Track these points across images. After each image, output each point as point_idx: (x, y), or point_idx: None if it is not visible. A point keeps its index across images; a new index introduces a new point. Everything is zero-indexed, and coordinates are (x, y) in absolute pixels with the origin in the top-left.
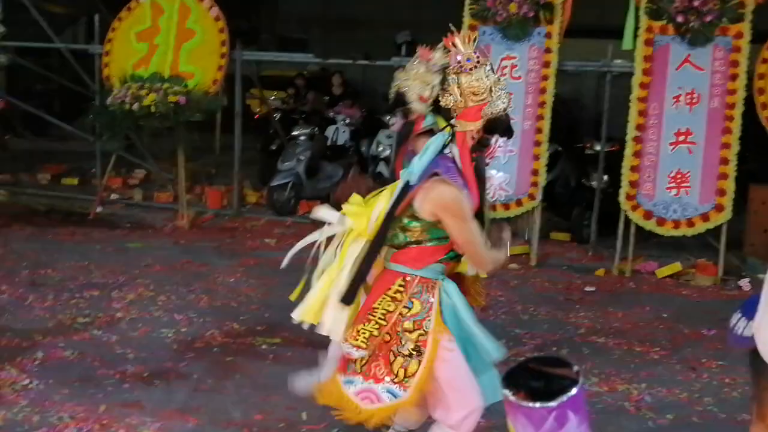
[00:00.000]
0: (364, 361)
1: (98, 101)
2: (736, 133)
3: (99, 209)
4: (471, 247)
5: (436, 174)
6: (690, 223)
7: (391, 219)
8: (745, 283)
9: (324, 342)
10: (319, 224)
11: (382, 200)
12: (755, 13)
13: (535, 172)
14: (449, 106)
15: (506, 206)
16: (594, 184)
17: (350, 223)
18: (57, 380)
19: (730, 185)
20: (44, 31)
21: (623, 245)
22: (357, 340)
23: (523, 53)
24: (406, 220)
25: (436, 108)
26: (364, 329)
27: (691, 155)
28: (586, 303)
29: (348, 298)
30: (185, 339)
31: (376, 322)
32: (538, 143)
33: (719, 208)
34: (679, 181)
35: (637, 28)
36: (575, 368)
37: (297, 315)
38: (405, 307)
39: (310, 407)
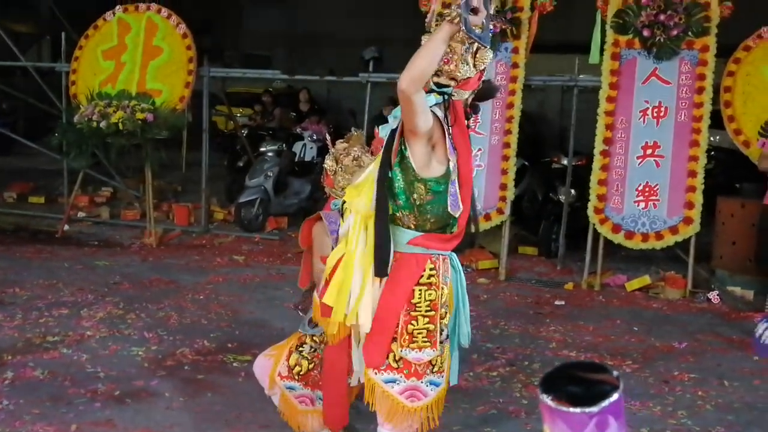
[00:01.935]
0: (399, 357)
1: (65, 119)
2: (704, 146)
3: (66, 227)
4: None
5: None
6: (659, 236)
7: (384, 178)
8: (714, 296)
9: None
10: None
11: (372, 171)
12: (720, 27)
13: (503, 187)
14: (465, 77)
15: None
16: (562, 198)
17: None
18: (27, 400)
19: (698, 198)
20: (8, 49)
21: (592, 259)
22: (416, 342)
23: (489, 68)
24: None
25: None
26: (418, 329)
27: (658, 168)
28: (557, 317)
29: (381, 270)
30: (156, 357)
31: (424, 316)
32: (505, 158)
33: (687, 220)
34: (647, 194)
35: (603, 42)
36: (615, 373)
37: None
38: (440, 292)
39: (282, 424)
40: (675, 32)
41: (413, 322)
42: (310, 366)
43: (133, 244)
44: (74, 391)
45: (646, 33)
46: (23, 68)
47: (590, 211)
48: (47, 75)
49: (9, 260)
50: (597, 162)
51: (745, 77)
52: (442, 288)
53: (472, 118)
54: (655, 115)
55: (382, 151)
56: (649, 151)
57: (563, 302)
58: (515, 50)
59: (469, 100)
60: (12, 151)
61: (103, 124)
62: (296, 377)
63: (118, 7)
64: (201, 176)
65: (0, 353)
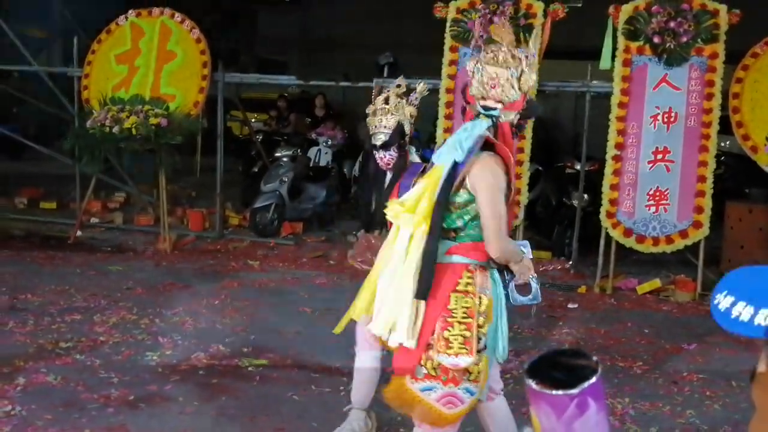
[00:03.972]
0: (437, 364)
1: (77, 124)
2: (713, 152)
3: (78, 233)
4: (492, 221)
5: (484, 149)
6: (669, 240)
7: (443, 203)
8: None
9: (310, 362)
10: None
11: (426, 190)
12: (729, 34)
13: (517, 191)
14: (511, 100)
15: None
16: (575, 202)
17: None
18: (40, 406)
19: (707, 202)
20: (20, 54)
21: (604, 263)
22: (452, 348)
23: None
24: (460, 200)
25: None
26: (453, 335)
27: (669, 173)
28: (569, 320)
29: (424, 293)
30: (170, 362)
31: (461, 323)
32: (519, 163)
33: (697, 224)
34: (657, 198)
35: (614, 48)
36: (594, 359)
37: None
38: (477, 300)
39: (297, 429)
40: (685, 39)
41: (449, 328)
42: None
43: (147, 249)
44: (87, 397)
45: (656, 40)
46: (35, 72)
47: (602, 216)
48: (59, 79)
49: (21, 266)
50: (609, 167)
51: (753, 84)
52: (480, 297)
53: (517, 137)
54: (665, 120)
55: (442, 179)
56: (659, 156)
57: (576, 305)
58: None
59: (515, 120)
60: (23, 156)
61: (116, 129)
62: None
63: (131, 11)
64: (215, 181)
65: (12, 359)
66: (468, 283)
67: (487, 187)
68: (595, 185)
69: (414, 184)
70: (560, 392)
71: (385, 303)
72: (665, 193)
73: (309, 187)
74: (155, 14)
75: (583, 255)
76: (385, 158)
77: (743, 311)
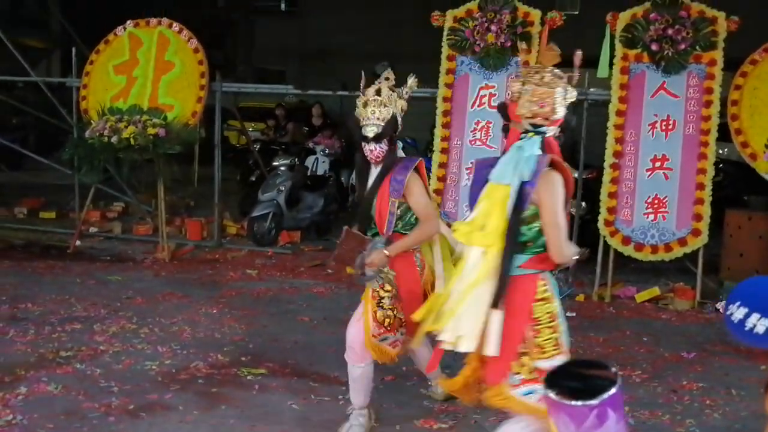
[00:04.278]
0: (533, 368)
1: (76, 134)
2: (711, 159)
3: (78, 243)
4: (557, 231)
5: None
6: (667, 248)
7: (517, 222)
8: (722, 306)
9: (309, 371)
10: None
11: (494, 209)
12: (727, 41)
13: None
14: (558, 118)
15: None
16: (573, 211)
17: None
18: (41, 415)
19: (706, 210)
20: (19, 64)
21: (602, 271)
22: (546, 352)
23: (501, 83)
24: (527, 215)
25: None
26: (545, 340)
27: (667, 181)
28: (568, 328)
29: (497, 304)
30: (169, 371)
31: (548, 327)
32: None
33: (696, 232)
34: (656, 206)
35: (612, 56)
36: (613, 369)
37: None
38: (555, 304)
39: None
40: (683, 46)
41: (539, 335)
42: (395, 313)
43: (146, 259)
44: (88, 406)
45: (654, 47)
46: (33, 83)
47: (601, 224)
48: (57, 90)
49: (21, 276)
50: (607, 175)
51: (752, 91)
52: (556, 300)
53: None
54: (663, 128)
55: (513, 199)
56: (657, 164)
57: (574, 314)
58: (526, 64)
59: (557, 133)
60: (23, 167)
61: (114, 139)
62: (388, 328)
63: (129, 21)
64: (213, 191)
65: (13, 368)
66: (544, 290)
67: (553, 202)
68: (593, 193)
69: (405, 180)
70: (580, 403)
71: (463, 317)
72: (664, 200)
73: (307, 196)
74: (153, 25)
75: (581, 263)
76: (375, 151)
77: (758, 323)
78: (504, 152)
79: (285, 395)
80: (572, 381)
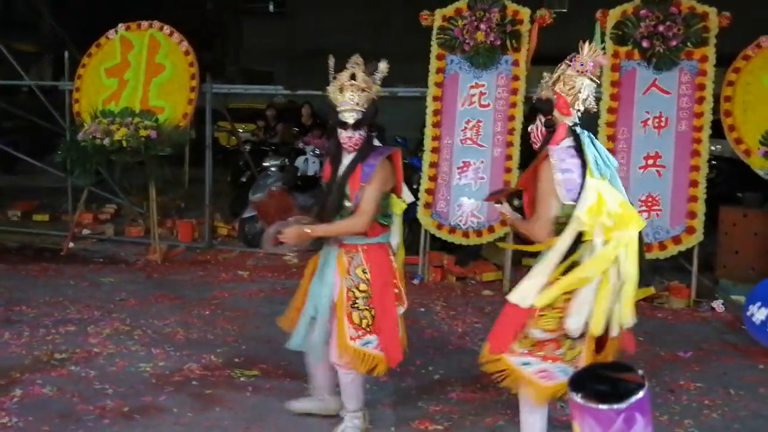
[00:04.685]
0: (534, 342)
1: (69, 137)
2: (705, 156)
3: (71, 245)
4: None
5: None
6: (662, 246)
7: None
8: (718, 305)
9: (302, 372)
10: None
11: (608, 196)
12: (719, 37)
13: None
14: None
15: (479, 233)
16: None
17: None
18: (36, 417)
19: (700, 207)
20: (11, 68)
21: None
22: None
23: (491, 81)
24: None
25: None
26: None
27: (660, 178)
28: None
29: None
30: (163, 373)
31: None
32: (508, 170)
33: (690, 230)
34: (649, 204)
35: (603, 53)
36: (640, 372)
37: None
38: None
39: None
40: (674, 43)
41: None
42: (372, 313)
43: (138, 260)
44: (83, 408)
45: (645, 44)
46: (26, 86)
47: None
48: (50, 93)
49: (15, 278)
50: None
51: (745, 86)
52: None
53: None
54: (656, 125)
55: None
56: (650, 162)
57: None
58: (515, 63)
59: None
60: (16, 170)
61: (106, 142)
62: (366, 329)
63: (120, 25)
64: (204, 192)
65: (8, 371)
66: None
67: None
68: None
69: (376, 166)
70: (607, 407)
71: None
72: (657, 198)
73: (297, 196)
74: (144, 27)
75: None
76: (353, 138)
77: None
78: (547, 145)
79: (279, 396)
80: (599, 384)
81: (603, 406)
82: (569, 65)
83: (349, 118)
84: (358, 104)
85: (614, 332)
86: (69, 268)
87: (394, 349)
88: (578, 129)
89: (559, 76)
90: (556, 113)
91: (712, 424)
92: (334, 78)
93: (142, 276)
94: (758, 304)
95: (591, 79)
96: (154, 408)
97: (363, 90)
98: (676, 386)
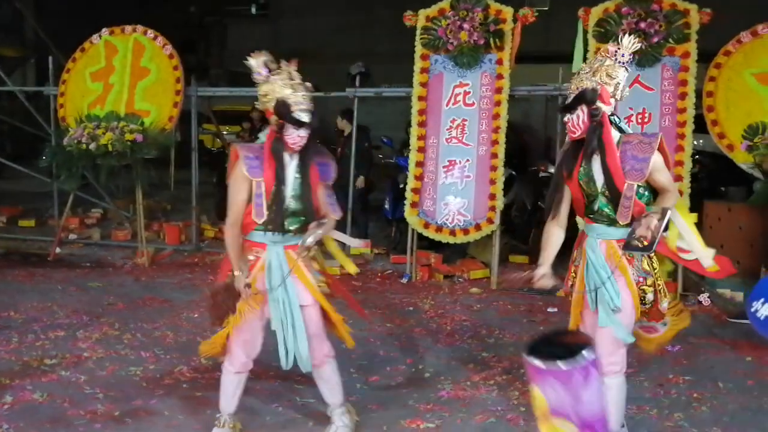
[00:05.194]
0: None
1: (54, 141)
2: (689, 151)
3: (58, 250)
4: None
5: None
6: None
7: None
8: (704, 299)
9: (292, 373)
10: None
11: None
12: (700, 33)
13: (492, 197)
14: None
15: (465, 231)
16: None
17: None
18: (27, 423)
19: (685, 202)
20: None
21: None
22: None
23: (475, 80)
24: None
25: None
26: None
27: None
28: (550, 324)
29: None
30: (153, 376)
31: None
32: (494, 168)
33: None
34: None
35: (586, 51)
36: (582, 333)
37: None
38: None
39: None
40: (656, 39)
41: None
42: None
43: (126, 264)
44: (74, 413)
45: None
46: (9, 91)
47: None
48: (34, 98)
49: (2, 284)
50: None
51: (726, 82)
52: None
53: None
54: (639, 121)
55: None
56: None
57: (556, 309)
58: (499, 61)
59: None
60: (1, 175)
61: (92, 146)
62: None
63: (104, 29)
64: (190, 194)
65: None
66: None
67: None
68: None
69: (332, 164)
70: (569, 366)
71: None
72: None
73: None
74: (128, 32)
75: (562, 258)
76: (304, 137)
77: None
78: (595, 134)
79: (269, 398)
80: (552, 348)
81: (566, 366)
82: (608, 57)
83: (306, 117)
84: (310, 103)
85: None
86: (56, 273)
87: None
88: (615, 118)
89: (599, 67)
90: (598, 103)
91: (701, 418)
92: (290, 78)
93: (130, 280)
94: (762, 299)
95: (627, 70)
96: (145, 411)
97: (307, 90)
98: (665, 380)
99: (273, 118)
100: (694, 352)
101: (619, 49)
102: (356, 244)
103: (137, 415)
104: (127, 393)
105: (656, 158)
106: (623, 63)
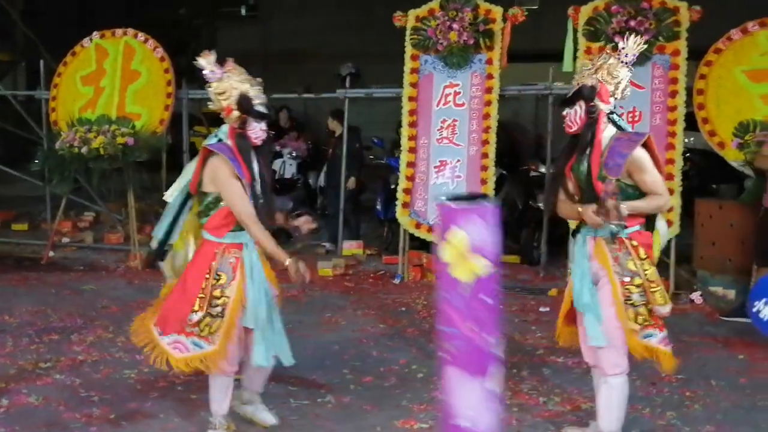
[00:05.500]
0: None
1: (46, 145)
2: (680, 149)
3: (51, 253)
4: None
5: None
6: None
7: None
8: (696, 297)
9: (286, 375)
10: None
11: None
12: (690, 31)
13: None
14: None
15: None
16: (541, 205)
17: None
18: (23, 426)
19: (676, 200)
20: None
21: None
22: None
23: (465, 80)
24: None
25: None
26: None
27: None
28: (542, 324)
29: None
30: (148, 379)
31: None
32: (484, 168)
33: (667, 223)
34: None
35: (576, 50)
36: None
37: None
38: None
39: None
40: (646, 37)
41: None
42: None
43: (119, 267)
44: (69, 416)
45: (617, 39)
46: (1, 96)
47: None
48: (25, 102)
49: None
50: None
51: (717, 79)
52: None
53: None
54: (630, 120)
55: None
56: None
57: (548, 308)
58: (489, 61)
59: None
60: None
61: (84, 150)
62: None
63: (94, 33)
64: None
65: None
66: None
67: None
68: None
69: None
70: (492, 204)
71: None
72: None
73: (275, 199)
74: (119, 35)
75: (553, 257)
76: (265, 131)
77: None
78: (589, 129)
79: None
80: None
81: (488, 204)
82: (612, 55)
83: (266, 109)
84: (266, 99)
85: None
86: (50, 276)
87: None
88: (614, 116)
89: (601, 65)
90: (596, 100)
91: (694, 416)
92: (244, 74)
93: (123, 283)
94: (764, 300)
95: (630, 70)
96: (141, 414)
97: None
98: (658, 379)
99: (234, 115)
100: (685, 350)
101: (624, 48)
102: None
103: (132, 418)
104: (122, 396)
105: (639, 156)
106: (626, 63)
